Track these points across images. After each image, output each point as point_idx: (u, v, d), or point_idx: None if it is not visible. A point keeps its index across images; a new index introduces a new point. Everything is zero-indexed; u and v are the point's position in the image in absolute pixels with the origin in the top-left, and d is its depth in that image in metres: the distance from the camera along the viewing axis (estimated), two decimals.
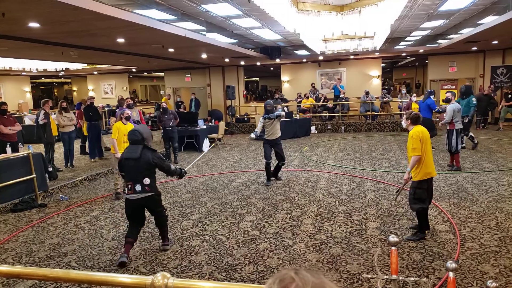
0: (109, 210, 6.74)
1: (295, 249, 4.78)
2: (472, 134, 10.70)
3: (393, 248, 2.04)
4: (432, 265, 4.24)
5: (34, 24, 6.75)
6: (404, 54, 18.11)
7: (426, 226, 5.08)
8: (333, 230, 5.36)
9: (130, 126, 7.15)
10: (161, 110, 10.89)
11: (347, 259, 4.46)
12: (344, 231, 5.31)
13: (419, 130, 4.90)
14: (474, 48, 15.39)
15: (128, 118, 7.37)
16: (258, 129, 7.93)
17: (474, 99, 10.40)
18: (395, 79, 29.61)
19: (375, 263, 2.20)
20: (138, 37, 8.81)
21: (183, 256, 4.73)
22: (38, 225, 6.11)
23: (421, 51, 16.71)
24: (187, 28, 9.49)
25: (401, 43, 15.81)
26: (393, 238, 2.07)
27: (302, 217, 5.90)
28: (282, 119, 14.17)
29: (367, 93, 16.10)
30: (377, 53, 16.52)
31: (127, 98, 11.27)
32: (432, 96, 10.58)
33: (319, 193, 7.17)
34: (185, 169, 5.14)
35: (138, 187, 4.49)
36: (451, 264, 1.93)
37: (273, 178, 8.16)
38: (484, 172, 8.13)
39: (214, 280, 4.11)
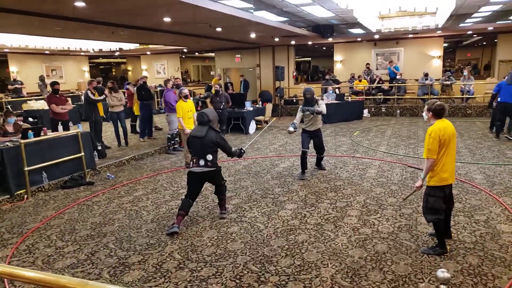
0: (152, 190, 6.76)
1: (336, 243, 4.46)
2: None
3: (442, 287, 1.62)
4: (492, 271, 3.75)
5: (79, 3, 6.77)
6: (470, 32, 16.60)
7: (448, 235, 4.38)
8: (380, 224, 4.96)
9: (190, 102, 8.20)
10: (213, 91, 10.85)
11: (393, 258, 4.08)
12: (392, 225, 4.89)
13: (441, 126, 3.96)
14: None
15: (186, 96, 8.05)
16: (296, 121, 7.11)
17: None
18: (458, 60, 27.51)
19: None
20: (183, 15, 8.65)
21: (219, 243, 4.58)
22: (83, 203, 6.25)
23: (490, 28, 15.19)
24: (234, 6, 9.20)
25: (467, 20, 14.45)
26: (442, 274, 1.64)
27: (346, 208, 5.54)
28: (333, 101, 13.64)
29: (425, 75, 15.02)
30: (439, 32, 15.26)
31: (176, 78, 11.30)
32: None
33: (367, 182, 6.73)
34: (244, 149, 5.60)
35: (201, 162, 5.02)
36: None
37: (315, 167, 7.73)
38: None
39: (247, 271, 3.91)
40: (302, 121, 7.30)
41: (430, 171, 4.06)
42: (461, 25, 14.99)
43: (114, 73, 30.56)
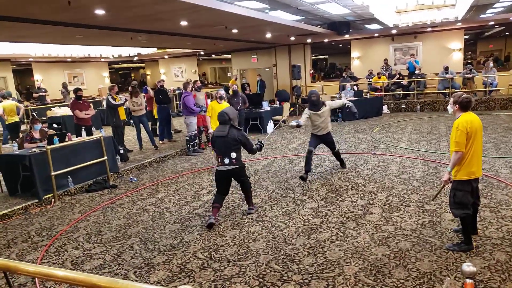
0: (174, 192, 6.86)
1: (358, 241, 4.44)
2: None
3: (468, 281, 1.59)
4: None
5: (100, 11, 6.94)
6: (491, 23, 16.20)
7: (474, 231, 4.29)
8: (403, 221, 4.92)
9: (225, 105, 8.07)
10: (230, 92, 10.90)
11: (417, 255, 4.03)
12: (415, 222, 4.84)
13: (468, 119, 3.91)
14: None
15: (221, 97, 8.28)
16: (302, 120, 6.81)
17: None
18: (480, 52, 26.90)
19: None
20: (200, 18, 8.75)
21: (241, 243, 4.62)
22: (108, 206, 6.40)
23: None
24: (249, 7, 9.24)
25: (488, 11, 14.10)
26: (468, 267, 1.61)
27: (368, 206, 5.51)
28: (351, 98, 13.51)
29: (446, 68, 14.73)
30: (458, 24, 14.95)
31: (196, 81, 11.42)
32: None
33: (388, 179, 6.67)
34: (263, 142, 5.74)
35: (226, 160, 5.17)
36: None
37: (339, 168, 7.50)
38: None
39: (270, 270, 3.94)
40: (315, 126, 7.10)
41: (457, 165, 3.99)
42: (482, 16, 14.64)
43: (133, 77, 31.08)
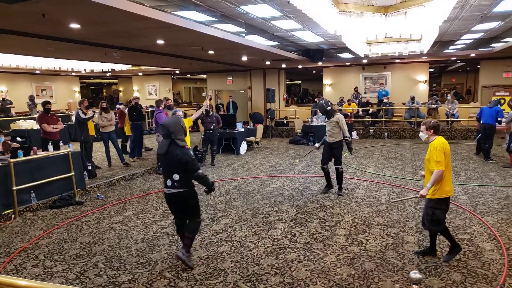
0: (142, 210, 6.76)
1: (325, 262, 4.52)
2: None
3: (414, 286, 1.75)
4: (474, 287, 3.85)
5: (74, 25, 6.92)
6: (453, 58, 17.15)
7: (433, 252, 4.62)
8: (368, 242, 5.05)
9: (187, 121, 7.96)
10: (204, 112, 10.92)
11: (380, 276, 4.15)
12: (379, 244, 4.98)
13: (443, 141, 4.33)
14: None
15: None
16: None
17: None
18: (444, 84, 28.24)
19: None
20: (176, 38, 8.85)
21: (209, 262, 4.61)
22: (72, 223, 6.22)
23: (472, 55, 15.74)
24: (226, 30, 9.44)
25: (451, 47, 14.95)
26: (415, 275, 1.77)
27: (335, 228, 5.62)
28: (322, 123, 13.90)
29: (412, 98, 15.41)
30: (424, 57, 15.76)
31: (168, 99, 11.41)
32: (499, 105, 10.23)
33: (355, 202, 6.84)
34: (214, 186, 4.70)
35: (168, 182, 4.39)
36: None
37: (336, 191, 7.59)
38: None
39: None
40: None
41: (436, 184, 4.28)
42: (445, 51, 15.51)
43: (105, 93, 30.63)
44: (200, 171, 4.41)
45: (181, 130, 4.43)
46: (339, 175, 7.42)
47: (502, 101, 12.63)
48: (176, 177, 4.32)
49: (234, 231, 5.59)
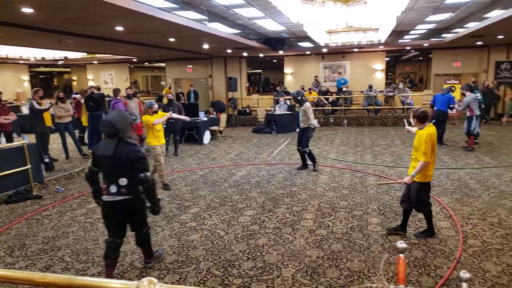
0: None
1: (294, 245, 4.64)
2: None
3: (400, 255, 1.89)
4: (434, 262, 4.11)
5: (27, 9, 6.55)
6: (408, 47, 17.86)
7: (403, 229, 4.90)
8: (334, 225, 5.22)
9: (159, 114, 7.21)
10: (164, 101, 10.72)
11: (348, 256, 4.32)
12: (345, 226, 5.17)
13: (431, 132, 4.53)
14: (479, 43, 15.15)
15: (156, 112, 7.13)
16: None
17: (478, 94, 10.36)
18: (398, 73, 29.33)
19: (381, 271, 2.06)
20: (137, 25, 8.61)
21: (180, 251, 4.60)
22: (32, 218, 5.97)
23: (425, 45, 16.47)
24: (188, 17, 9.29)
25: (406, 37, 15.56)
26: (401, 244, 1.92)
27: (302, 212, 5.76)
28: (285, 112, 14.11)
29: (370, 87, 15.90)
30: (381, 46, 16.27)
31: (127, 88, 11.09)
32: (450, 92, 10.71)
33: (320, 187, 7.03)
34: (161, 200, 4.29)
35: (113, 188, 3.72)
36: (464, 274, 1.76)
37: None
38: (486, 168, 7.98)
39: (211, 276, 3.98)
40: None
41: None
42: (401, 41, 16.10)
43: (56, 82, 29.28)
44: (149, 173, 3.82)
45: (129, 127, 3.87)
46: (310, 155, 8.22)
47: (453, 88, 13.30)
48: (123, 181, 3.70)
49: (204, 220, 5.60)
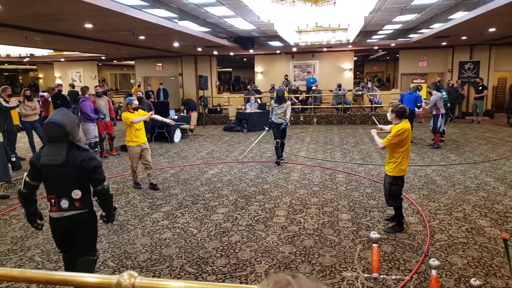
0: None
1: (267, 241, 4.74)
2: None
3: (374, 245, 2.01)
4: (403, 256, 4.29)
5: None
6: (376, 47, 18.33)
7: (402, 223, 5.10)
8: (306, 222, 5.36)
9: (139, 112, 6.94)
10: (137, 98, 10.55)
11: (320, 251, 4.46)
12: (316, 223, 5.32)
13: (406, 127, 4.72)
14: (444, 43, 15.75)
15: (136, 109, 6.84)
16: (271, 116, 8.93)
17: (444, 93, 10.79)
18: (366, 73, 30.02)
19: (356, 261, 2.18)
20: (106, 22, 8.47)
21: (153, 249, 4.61)
22: None
23: (392, 45, 16.96)
24: (158, 15, 9.21)
25: (374, 37, 15.98)
26: (374, 235, 2.04)
27: (274, 209, 5.87)
28: (255, 110, 14.23)
29: (339, 86, 16.22)
30: (350, 46, 16.63)
31: (96, 86, 10.89)
32: (417, 91, 11.05)
33: (291, 184, 7.17)
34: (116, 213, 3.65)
35: (64, 203, 3.13)
36: (434, 262, 1.91)
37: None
38: (452, 165, 8.35)
39: (185, 273, 4.02)
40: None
41: (392, 163, 4.83)
42: (368, 40, 16.52)
43: (21, 80, 28.23)
44: (106, 183, 3.32)
45: (77, 129, 3.30)
46: (283, 145, 8.99)
47: (420, 87, 13.77)
48: (77, 194, 3.14)
49: (176, 218, 5.61)
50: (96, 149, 9.38)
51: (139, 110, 7.03)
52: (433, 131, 10.26)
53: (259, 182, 7.40)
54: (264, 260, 4.27)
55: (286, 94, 16.46)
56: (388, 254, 4.36)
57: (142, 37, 11.32)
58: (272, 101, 8.94)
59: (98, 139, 9.45)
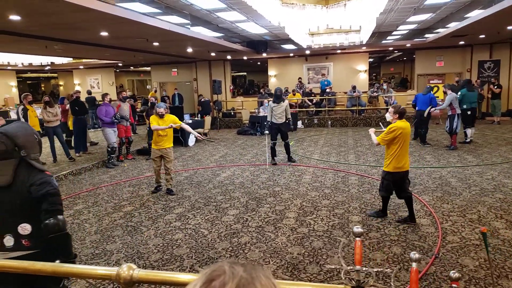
0: (93, 204, 6.69)
1: (276, 243, 4.80)
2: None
3: (357, 239, 2.09)
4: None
5: (14, 17, 6.62)
6: (391, 48, 18.20)
7: (412, 219, 5.27)
8: (315, 223, 5.40)
9: (168, 118, 6.87)
10: (149, 104, 10.81)
11: (328, 253, 4.49)
12: (326, 224, 5.35)
13: (402, 126, 4.96)
14: (462, 43, 15.49)
15: (162, 115, 6.81)
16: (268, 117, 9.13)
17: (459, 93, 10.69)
18: (383, 74, 29.77)
19: (340, 254, 2.25)
20: (121, 30, 8.71)
21: (165, 250, 4.72)
22: None
23: (408, 45, 16.80)
24: (171, 22, 9.42)
25: (388, 37, 15.89)
26: (357, 229, 2.12)
27: (285, 211, 5.93)
28: (265, 114, 14.36)
29: (353, 87, 16.16)
30: (364, 48, 16.57)
31: (121, 91, 11.29)
32: (431, 92, 11.01)
33: (303, 187, 7.20)
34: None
35: (8, 241, 2.36)
36: (414, 255, 1.97)
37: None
38: (468, 166, 8.22)
39: (194, 273, 4.11)
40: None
41: (387, 159, 5.13)
42: (383, 41, 16.43)
43: (43, 88, 29.06)
44: (61, 217, 2.42)
45: (36, 145, 2.52)
46: (287, 147, 9.17)
47: (435, 88, 13.64)
48: (25, 229, 2.36)
49: (188, 220, 5.73)
50: (113, 155, 9.60)
51: (169, 116, 6.97)
52: (449, 132, 10.10)
53: (270, 184, 7.47)
54: (272, 261, 4.33)
55: (299, 96, 16.61)
56: (397, 255, 4.36)
57: (156, 44, 11.56)
58: (271, 102, 9.09)
59: (116, 146, 9.62)
